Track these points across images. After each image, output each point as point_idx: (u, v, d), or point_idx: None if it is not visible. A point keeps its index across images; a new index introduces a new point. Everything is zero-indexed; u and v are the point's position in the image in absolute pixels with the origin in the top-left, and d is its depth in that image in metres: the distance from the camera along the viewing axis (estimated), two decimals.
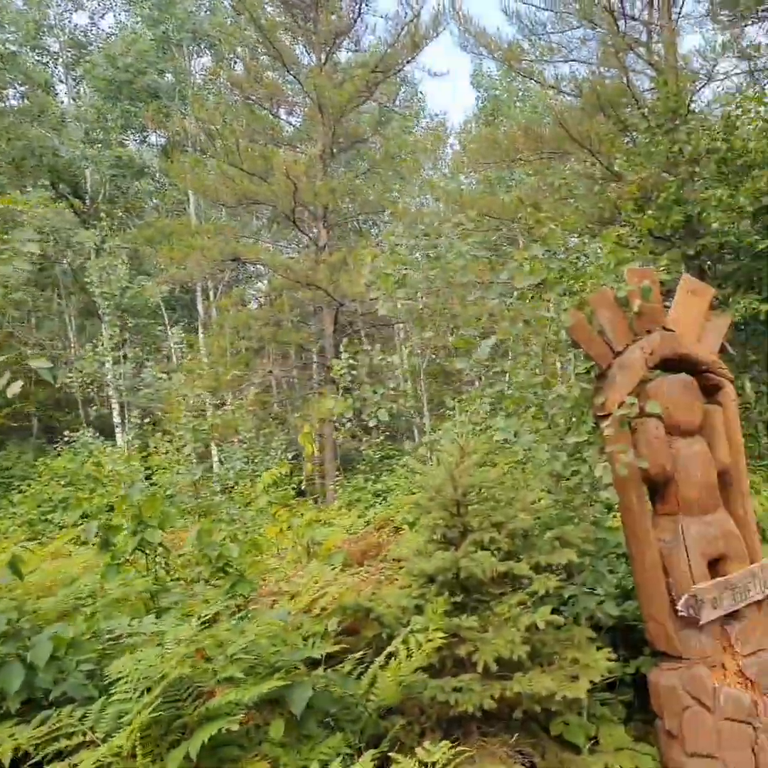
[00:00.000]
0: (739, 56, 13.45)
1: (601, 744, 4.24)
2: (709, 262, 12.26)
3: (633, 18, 14.37)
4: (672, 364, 4.22)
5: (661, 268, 10.09)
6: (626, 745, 4.26)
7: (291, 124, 18.12)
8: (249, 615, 3.40)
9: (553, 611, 4.18)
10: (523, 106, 24.65)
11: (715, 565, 4.06)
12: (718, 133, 10.86)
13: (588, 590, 4.27)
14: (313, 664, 3.38)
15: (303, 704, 2.81)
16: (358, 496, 10.02)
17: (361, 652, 3.40)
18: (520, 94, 25.87)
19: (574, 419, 4.04)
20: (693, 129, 10.89)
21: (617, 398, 3.96)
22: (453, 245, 4.46)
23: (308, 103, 15.73)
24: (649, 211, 10.56)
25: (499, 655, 3.38)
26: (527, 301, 4.22)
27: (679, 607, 3.82)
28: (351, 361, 4.45)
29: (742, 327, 12.17)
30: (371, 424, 4.35)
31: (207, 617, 2.96)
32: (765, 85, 13.73)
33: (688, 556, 3.93)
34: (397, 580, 4.29)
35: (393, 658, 3.35)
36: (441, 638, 3.22)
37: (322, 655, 3.24)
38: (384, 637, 3.62)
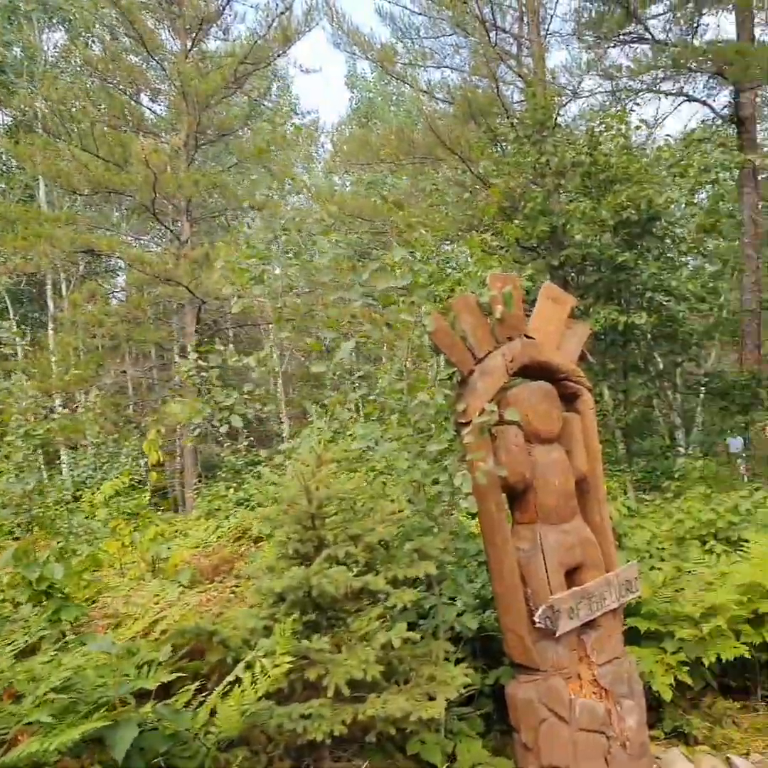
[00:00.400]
0: (602, 75, 14.14)
1: (458, 760, 4.19)
2: (572, 273, 12.75)
3: (504, 30, 14.81)
4: (532, 371, 4.24)
5: (526, 277, 10.39)
6: (483, 760, 4.23)
7: (154, 112, 17.38)
8: (69, 644, 3.07)
9: (412, 625, 4.09)
10: (397, 110, 24.94)
11: (572, 574, 4.10)
12: (582, 147, 11.31)
13: (448, 602, 4.21)
14: (148, 695, 3.10)
15: (125, 746, 2.53)
16: (219, 504, 9.62)
17: (198, 683, 3.14)
18: (394, 98, 26.16)
19: (434, 427, 3.96)
20: (559, 142, 11.30)
21: (478, 405, 3.92)
22: (315, 241, 4.29)
23: (173, 90, 15.10)
24: (516, 221, 10.83)
25: (351, 676, 3.22)
26: (392, 304, 4.10)
27: (536, 619, 3.82)
28: (200, 363, 4.18)
29: (602, 337, 12.73)
30: (222, 429, 4.10)
31: (19, 648, 2.62)
32: (627, 104, 14.51)
33: (545, 566, 3.93)
34: (247, 598, 4.06)
35: (238, 685, 3.13)
36: (289, 662, 3.02)
37: (156, 686, 2.96)
38: (229, 661, 3.38)
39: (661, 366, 13.59)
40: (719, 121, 14.96)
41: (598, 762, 3.83)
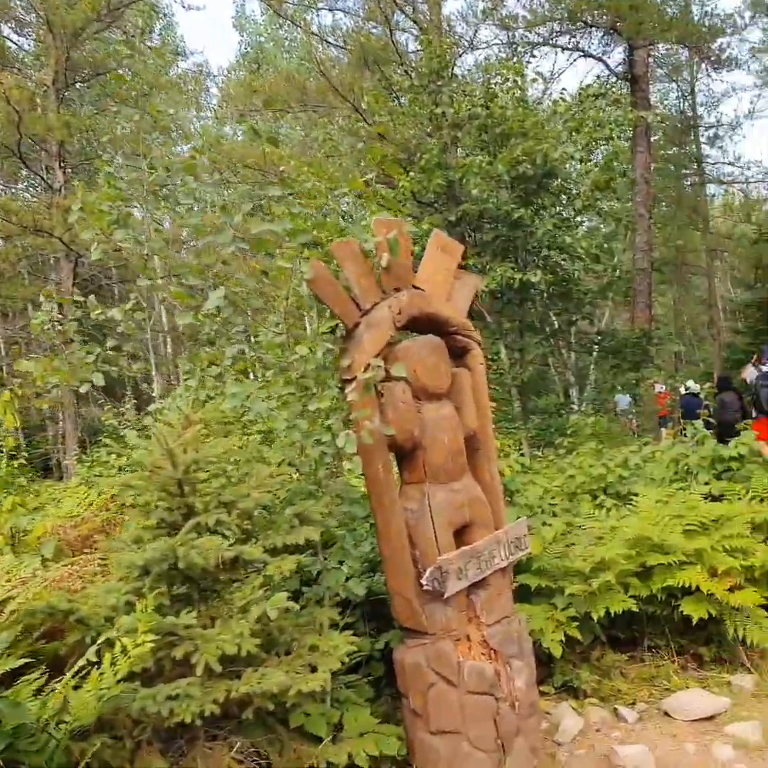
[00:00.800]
0: (499, 25, 14.02)
1: (345, 730, 4.08)
2: (470, 230, 12.72)
3: None
4: (421, 324, 4.08)
5: (421, 232, 10.24)
6: (371, 727, 4.14)
7: (19, 46, 16.06)
8: None
9: (297, 594, 3.92)
10: (290, 56, 24.15)
11: (462, 534, 4.02)
12: (479, 99, 11.20)
13: (336, 566, 4.05)
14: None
15: None
16: (100, 471, 9.13)
17: (39, 670, 2.86)
18: (287, 43, 25.30)
19: (316, 384, 3.75)
20: (455, 92, 11.14)
21: (363, 360, 3.73)
22: (184, 182, 3.96)
23: (40, 22, 13.94)
24: (411, 173, 10.64)
25: (223, 652, 3.02)
26: (268, 251, 3.84)
27: (423, 581, 3.71)
28: (56, 315, 3.81)
29: (499, 296, 12.82)
30: (82, 390, 3.76)
31: None
32: (523, 56, 14.49)
33: (434, 526, 3.83)
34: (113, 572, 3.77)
35: (97, 667, 2.87)
36: (152, 640, 2.79)
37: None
38: (89, 642, 3.11)
39: (556, 325, 13.84)
40: (614, 79, 15.17)
41: (486, 724, 3.79)
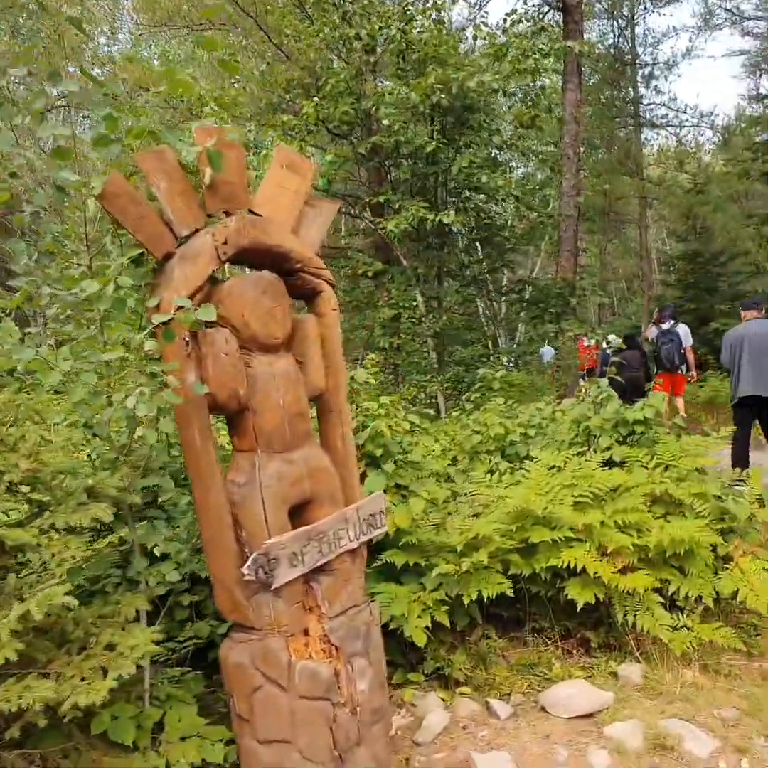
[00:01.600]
0: None
1: (166, 732, 3.53)
2: (386, 165, 11.97)
3: None
4: (255, 257, 3.44)
5: (326, 163, 9.48)
6: (197, 730, 3.61)
7: None
8: None
9: (97, 579, 3.30)
10: None
11: (302, 512, 3.45)
12: (394, 21, 10.34)
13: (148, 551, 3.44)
14: None
15: None
16: None
17: None
18: None
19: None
20: (368, 11, 10.25)
21: (174, 300, 3.07)
22: None
23: None
24: (316, 99, 9.80)
25: None
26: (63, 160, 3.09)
27: (245, 570, 3.13)
28: None
29: (415, 239, 12.17)
30: None
31: None
32: None
33: (263, 503, 3.23)
34: None
35: None
36: None
37: None
38: None
39: (476, 272, 13.27)
40: (545, 8, 14.42)
41: (321, 732, 3.28)
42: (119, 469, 3.11)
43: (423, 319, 11.54)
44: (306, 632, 3.39)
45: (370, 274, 10.63)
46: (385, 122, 9.68)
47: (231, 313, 3.25)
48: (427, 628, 4.09)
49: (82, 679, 2.95)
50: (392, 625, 4.09)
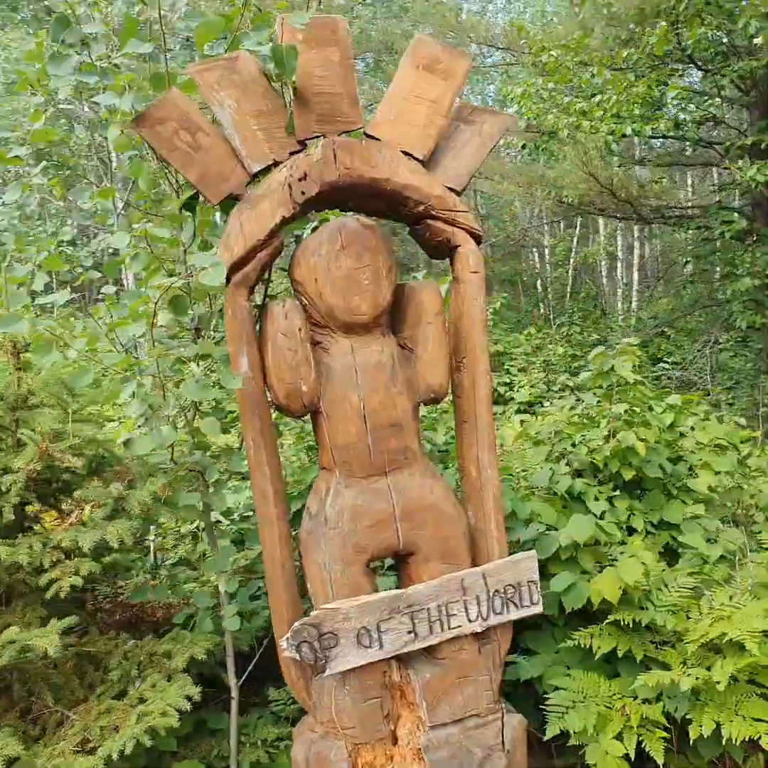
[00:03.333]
0: None
1: None
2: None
3: None
4: (359, 198, 2.47)
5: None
6: None
7: None
8: None
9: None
10: None
11: (405, 568, 2.45)
12: None
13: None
14: None
15: None
16: None
17: None
18: None
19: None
20: None
21: (229, 259, 2.28)
22: None
23: None
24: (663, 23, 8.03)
25: None
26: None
27: (282, 643, 2.23)
28: None
29: None
30: None
31: None
32: None
33: (325, 548, 2.31)
34: None
35: None
36: None
37: None
38: None
39: None
40: None
41: None
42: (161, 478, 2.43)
43: None
44: (394, 738, 2.39)
45: (727, 234, 8.56)
46: (758, 41, 7.59)
47: (304, 277, 2.36)
48: (627, 758, 2.75)
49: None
50: (573, 741, 2.84)
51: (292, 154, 2.39)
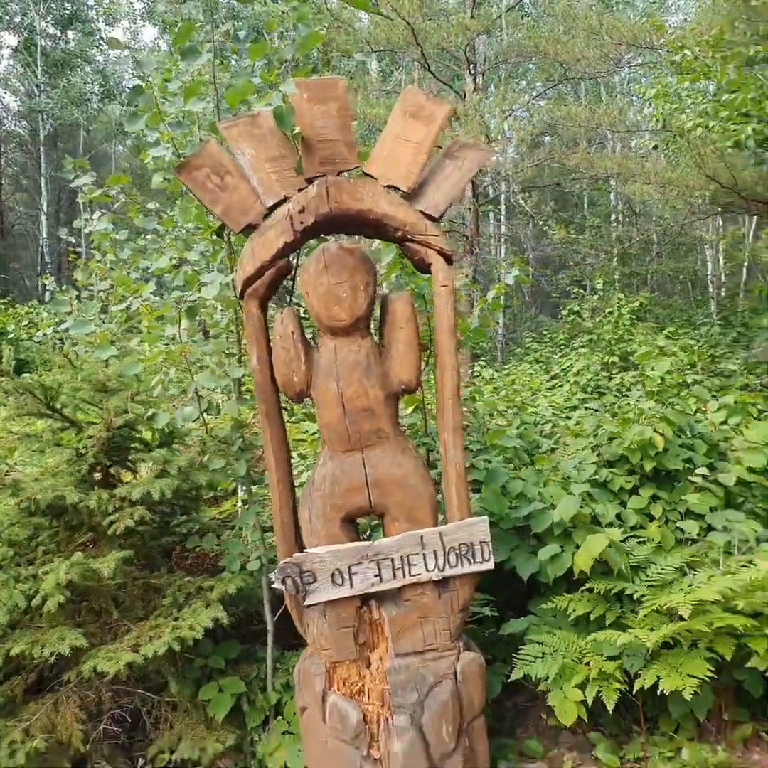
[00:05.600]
0: None
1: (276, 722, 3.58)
2: None
3: None
4: (349, 226, 3.11)
5: None
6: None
7: None
8: None
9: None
10: None
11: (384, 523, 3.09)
12: None
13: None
14: None
15: None
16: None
17: None
18: None
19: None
20: None
21: (242, 276, 3.00)
22: None
23: None
24: None
25: None
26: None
27: (271, 576, 2.95)
28: None
29: None
30: None
31: None
32: None
33: (311, 505, 2.99)
34: None
35: None
36: None
37: None
38: None
39: None
40: None
41: None
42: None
43: None
44: (368, 663, 3.04)
45: None
46: None
47: (303, 290, 3.04)
48: (584, 704, 3.25)
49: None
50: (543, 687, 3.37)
51: (300, 190, 3.06)
